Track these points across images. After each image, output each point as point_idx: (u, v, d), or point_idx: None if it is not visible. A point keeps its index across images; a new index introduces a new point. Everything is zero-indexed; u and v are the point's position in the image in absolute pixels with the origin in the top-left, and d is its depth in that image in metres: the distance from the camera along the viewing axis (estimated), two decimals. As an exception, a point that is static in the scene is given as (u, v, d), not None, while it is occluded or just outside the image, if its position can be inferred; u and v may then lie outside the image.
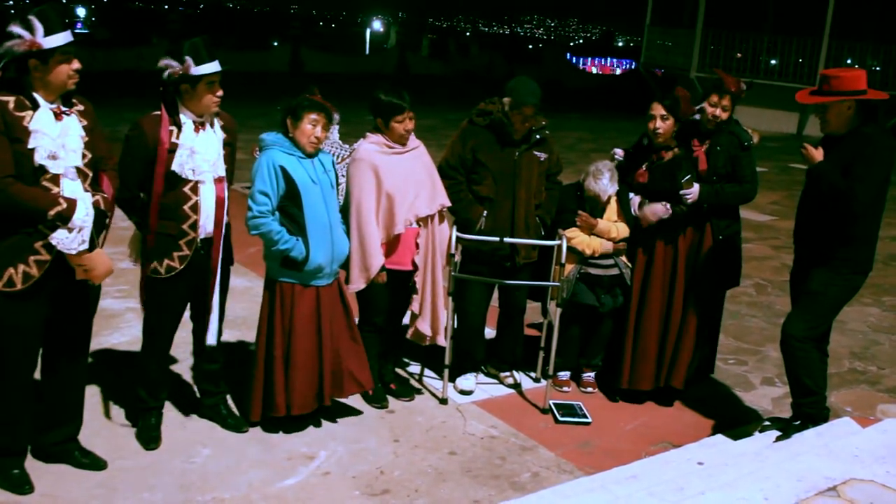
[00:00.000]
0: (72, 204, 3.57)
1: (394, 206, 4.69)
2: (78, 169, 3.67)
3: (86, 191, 3.69)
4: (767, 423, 4.78)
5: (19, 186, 3.49)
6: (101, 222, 3.71)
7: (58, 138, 3.59)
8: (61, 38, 3.55)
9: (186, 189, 4.10)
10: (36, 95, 3.57)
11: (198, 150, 4.09)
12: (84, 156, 3.70)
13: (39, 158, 3.54)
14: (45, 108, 3.58)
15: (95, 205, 3.68)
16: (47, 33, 3.50)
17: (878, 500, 3.50)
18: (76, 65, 3.64)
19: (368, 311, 4.89)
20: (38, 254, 3.60)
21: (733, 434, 4.73)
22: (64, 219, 3.55)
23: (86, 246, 3.62)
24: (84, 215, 3.60)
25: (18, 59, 3.49)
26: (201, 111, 4.13)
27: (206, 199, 4.16)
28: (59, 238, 3.57)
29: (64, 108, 3.65)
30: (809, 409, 4.60)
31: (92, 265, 3.69)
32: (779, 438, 4.59)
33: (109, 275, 3.81)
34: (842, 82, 4.42)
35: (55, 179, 3.59)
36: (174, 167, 4.04)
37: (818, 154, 4.48)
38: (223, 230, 4.26)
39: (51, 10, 3.53)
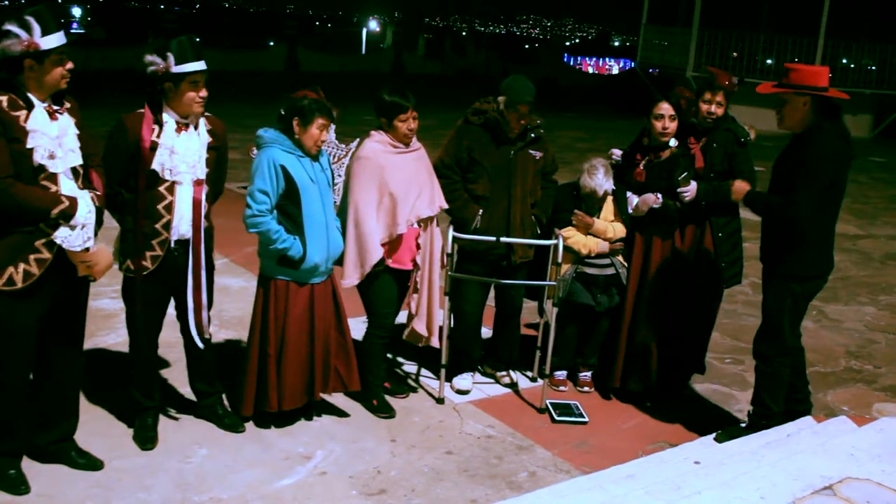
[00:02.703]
0: (73, 202, 3.58)
1: (396, 206, 4.69)
2: (72, 168, 3.68)
3: (80, 188, 3.69)
4: (721, 432, 4.80)
5: (20, 186, 3.49)
6: (99, 219, 3.73)
7: (56, 138, 3.59)
8: (57, 39, 3.55)
9: (162, 189, 4.07)
10: (29, 95, 3.57)
11: (177, 151, 4.06)
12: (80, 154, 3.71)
13: (39, 158, 3.54)
14: (40, 108, 3.58)
15: (92, 201, 3.68)
16: (44, 33, 3.50)
17: (874, 499, 3.50)
18: (69, 65, 3.64)
19: (379, 314, 4.86)
20: (39, 252, 3.60)
21: (729, 433, 4.73)
22: (67, 216, 3.55)
23: (91, 243, 3.64)
24: (87, 212, 3.61)
25: (13, 58, 3.49)
26: (184, 111, 4.09)
27: (182, 200, 4.12)
28: (64, 236, 3.57)
29: (56, 108, 3.65)
30: (760, 420, 4.65)
31: (96, 260, 3.70)
32: (719, 437, 4.69)
33: (109, 268, 3.82)
34: (801, 76, 4.32)
35: (53, 178, 3.60)
36: (154, 166, 4.02)
37: (740, 186, 4.55)
38: (202, 233, 4.21)
39: (46, 10, 3.53)
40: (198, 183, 4.17)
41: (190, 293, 4.25)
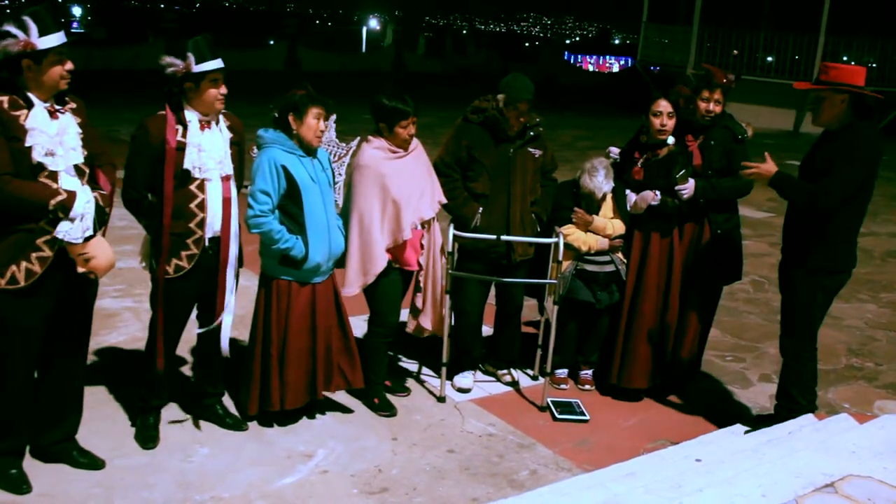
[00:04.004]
0: (72, 194, 3.58)
1: (400, 211, 4.68)
2: (76, 166, 3.68)
3: (84, 185, 3.70)
4: (751, 428, 4.80)
5: (17, 182, 3.50)
6: (101, 216, 3.72)
7: (55, 136, 3.60)
8: (55, 39, 3.55)
9: (193, 187, 4.10)
10: (29, 94, 3.57)
11: (204, 148, 4.09)
12: (82, 153, 3.71)
13: (37, 156, 3.55)
14: (40, 107, 3.59)
15: (95, 199, 3.69)
16: (42, 34, 3.50)
17: (876, 496, 3.50)
18: (69, 66, 3.64)
19: (383, 312, 4.88)
20: (41, 250, 3.60)
21: (757, 427, 4.73)
22: (65, 209, 3.55)
23: (90, 233, 3.63)
24: (85, 203, 3.61)
25: (11, 58, 3.49)
26: (206, 109, 4.12)
27: (213, 197, 4.15)
28: (63, 229, 3.57)
29: (58, 107, 3.66)
30: (787, 414, 4.66)
31: (93, 253, 3.68)
32: (749, 431, 4.69)
33: (112, 267, 3.79)
34: (840, 73, 4.39)
35: (53, 177, 3.61)
36: (186, 165, 4.04)
37: (768, 167, 4.46)
38: (234, 228, 4.26)
39: (45, 10, 3.53)
40: (226, 179, 4.20)
41: (231, 294, 4.29)
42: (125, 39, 31.65)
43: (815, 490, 3.52)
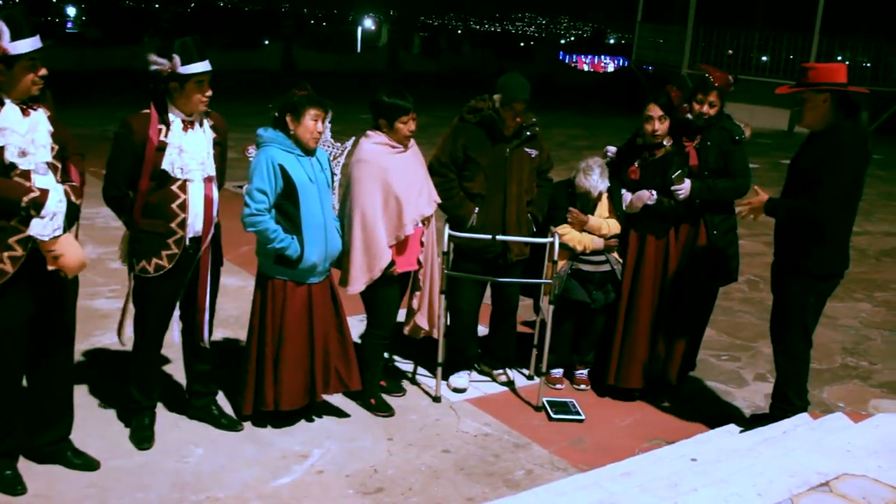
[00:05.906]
0: (44, 192, 3.54)
1: (402, 207, 4.68)
2: (47, 162, 3.65)
3: (58, 182, 3.66)
4: (746, 427, 4.81)
5: None
6: (72, 214, 3.67)
7: (27, 134, 3.56)
8: (28, 45, 3.49)
9: (174, 187, 4.09)
10: (2, 96, 3.53)
11: (186, 149, 4.08)
12: (52, 149, 3.68)
13: (9, 156, 3.51)
14: (12, 105, 3.55)
15: (65, 195, 3.64)
16: (14, 38, 3.45)
17: (871, 495, 3.50)
18: (42, 71, 3.59)
19: (382, 314, 4.87)
20: (13, 249, 3.56)
21: (753, 426, 4.74)
22: (38, 206, 3.51)
23: (60, 232, 3.59)
24: (58, 201, 3.57)
25: None
26: (190, 110, 4.11)
27: (195, 197, 4.15)
28: (33, 225, 3.53)
29: (29, 103, 3.62)
30: (782, 415, 4.66)
31: (62, 250, 3.61)
32: (745, 430, 4.69)
33: (83, 267, 3.73)
34: (818, 74, 4.34)
35: (26, 175, 3.56)
36: (164, 166, 4.04)
37: (759, 198, 4.46)
38: (213, 230, 4.26)
39: (19, 14, 3.47)
40: (208, 180, 4.20)
41: (207, 294, 4.27)
42: (120, 39, 31.58)
43: (811, 489, 3.53)
